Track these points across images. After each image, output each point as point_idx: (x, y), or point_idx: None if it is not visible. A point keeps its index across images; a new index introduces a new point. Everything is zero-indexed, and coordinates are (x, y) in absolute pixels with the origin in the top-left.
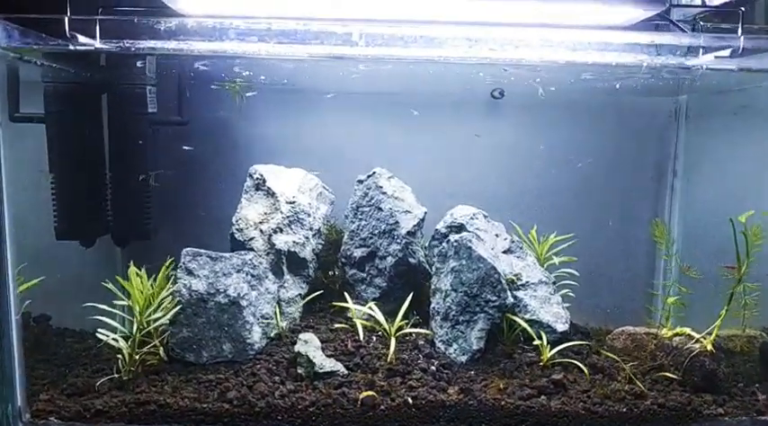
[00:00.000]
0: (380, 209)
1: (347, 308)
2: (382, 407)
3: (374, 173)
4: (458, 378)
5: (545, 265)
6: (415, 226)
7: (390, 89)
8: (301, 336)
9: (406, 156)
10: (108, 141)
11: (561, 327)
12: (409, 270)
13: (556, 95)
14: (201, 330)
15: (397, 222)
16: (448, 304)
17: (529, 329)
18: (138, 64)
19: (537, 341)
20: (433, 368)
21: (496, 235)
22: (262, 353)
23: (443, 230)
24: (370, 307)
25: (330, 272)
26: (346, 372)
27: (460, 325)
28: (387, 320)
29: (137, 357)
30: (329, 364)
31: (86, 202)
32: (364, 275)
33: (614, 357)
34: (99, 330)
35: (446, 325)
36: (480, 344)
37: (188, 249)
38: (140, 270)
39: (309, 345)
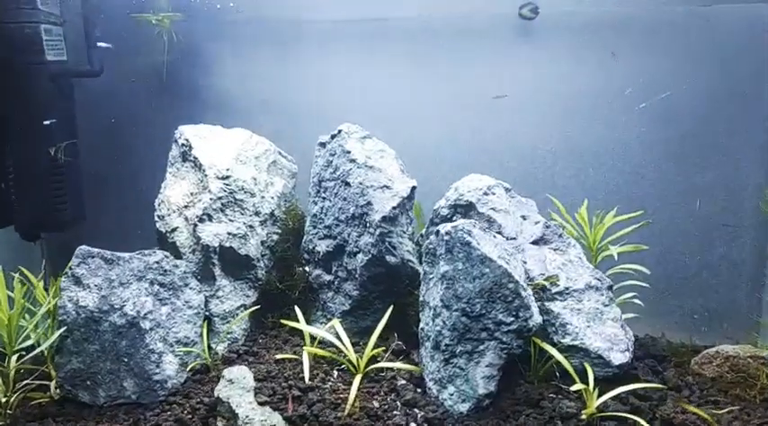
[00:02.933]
0: (348, 184)
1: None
2: None
3: (340, 131)
4: None
5: (599, 259)
6: (395, 208)
7: (377, 15)
8: (226, 373)
9: (409, 106)
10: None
11: (619, 358)
12: (388, 273)
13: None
14: (95, 360)
15: (369, 203)
16: (438, 327)
17: (565, 363)
18: None
19: (578, 385)
20: (415, 424)
21: (523, 218)
22: (177, 393)
23: (445, 211)
24: (332, 327)
25: (291, 273)
26: None
27: (458, 359)
28: (355, 346)
29: (12, 397)
30: (259, 417)
31: None
32: (331, 278)
33: (703, 414)
34: None
35: (438, 358)
36: (490, 387)
37: (81, 248)
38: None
39: (235, 387)
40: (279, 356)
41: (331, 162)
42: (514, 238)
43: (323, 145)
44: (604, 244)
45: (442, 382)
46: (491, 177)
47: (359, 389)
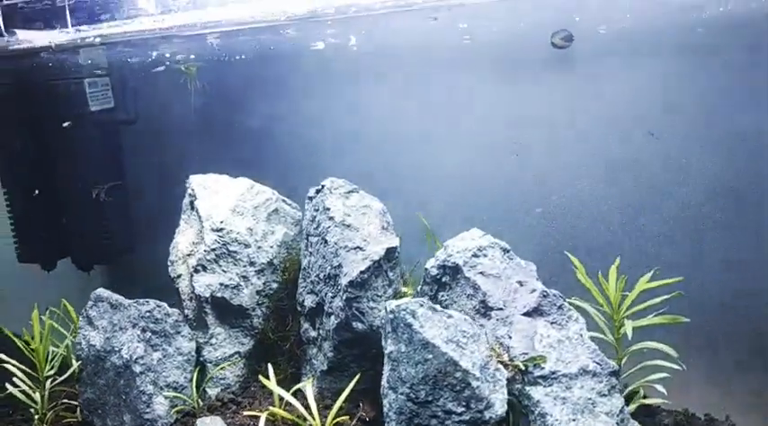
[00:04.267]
0: (326, 242)
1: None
2: None
3: (323, 186)
4: None
5: (621, 331)
6: (363, 272)
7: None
8: (200, 423)
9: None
10: (51, 151)
11: None
12: (356, 339)
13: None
14: (103, 393)
15: (340, 265)
16: (386, 408)
17: None
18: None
19: None
20: None
21: (519, 284)
22: None
23: (435, 271)
24: (298, 390)
25: (285, 323)
26: None
27: None
28: (330, 408)
29: (48, 414)
30: None
31: (40, 221)
32: (315, 334)
33: None
34: (14, 378)
35: None
36: None
37: (96, 291)
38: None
39: None
40: (246, 413)
41: (315, 217)
42: (501, 308)
43: (310, 199)
44: (628, 313)
45: None
46: (488, 236)
47: None
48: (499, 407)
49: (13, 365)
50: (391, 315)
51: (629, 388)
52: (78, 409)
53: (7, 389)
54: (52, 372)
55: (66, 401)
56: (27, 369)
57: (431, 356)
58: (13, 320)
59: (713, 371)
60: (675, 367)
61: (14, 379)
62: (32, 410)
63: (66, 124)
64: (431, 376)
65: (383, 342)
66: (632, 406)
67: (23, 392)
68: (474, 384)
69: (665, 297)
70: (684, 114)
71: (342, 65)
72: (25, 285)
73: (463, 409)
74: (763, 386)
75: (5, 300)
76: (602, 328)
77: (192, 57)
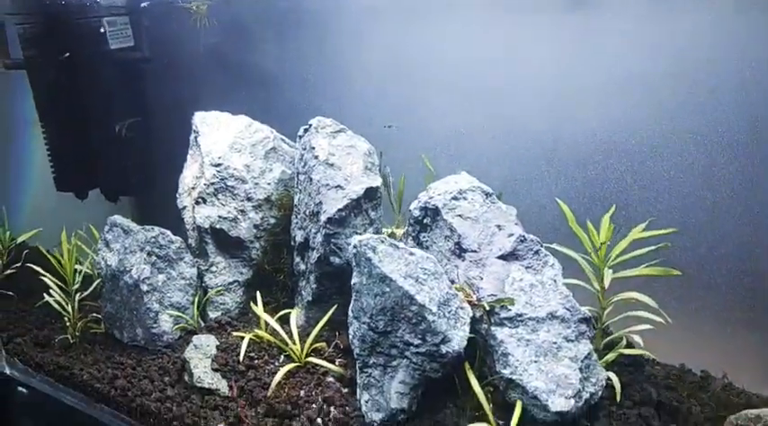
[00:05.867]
0: (311, 181)
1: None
2: None
3: (310, 125)
4: None
5: (607, 276)
6: (342, 210)
7: None
8: (194, 339)
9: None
10: (80, 88)
11: (559, 404)
12: (335, 273)
13: None
14: (119, 308)
15: (320, 202)
16: (350, 336)
17: (481, 397)
18: None
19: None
20: (319, 421)
21: (498, 227)
22: (169, 347)
23: (417, 213)
24: (279, 319)
25: (280, 257)
26: (227, 394)
27: (372, 370)
28: (302, 338)
29: (78, 324)
30: (208, 380)
31: (73, 154)
32: (304, 268)
33: None
34: (51, 290)
35: (357, 365)
36: (402, 403)
37: (111, 218)
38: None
39: (198, 352)
40: (235, 334)
41: (303, 155)
42: (476, 251)
43: (300, 137)
44: (616, 263)
45: (361, 388)
46: (473, 178)
47: (295, 377)
48: (457, 343)
49: (49, 278)
50: (354, 250)
51: (609, 338)
52: (102, 322)
53: (45, 299)
54: (77, 286)
55: (94, 315)
56: (60, 283)
57: (388, 289)
58: (53, 241)
59: (713, 327)
60: (658, 319)
61: (50, 291)
62: (66, 319)
63: (64, 56)
64: (388, 307)
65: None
66: (612, 355)
67: (57, 302)
68: (430, 318)
69: (652, 248)
70: None
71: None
72: (64, 211)
73: (420, 341)
74: (763, 342)
75: (47, 224)
76: (588, 277)
77: None
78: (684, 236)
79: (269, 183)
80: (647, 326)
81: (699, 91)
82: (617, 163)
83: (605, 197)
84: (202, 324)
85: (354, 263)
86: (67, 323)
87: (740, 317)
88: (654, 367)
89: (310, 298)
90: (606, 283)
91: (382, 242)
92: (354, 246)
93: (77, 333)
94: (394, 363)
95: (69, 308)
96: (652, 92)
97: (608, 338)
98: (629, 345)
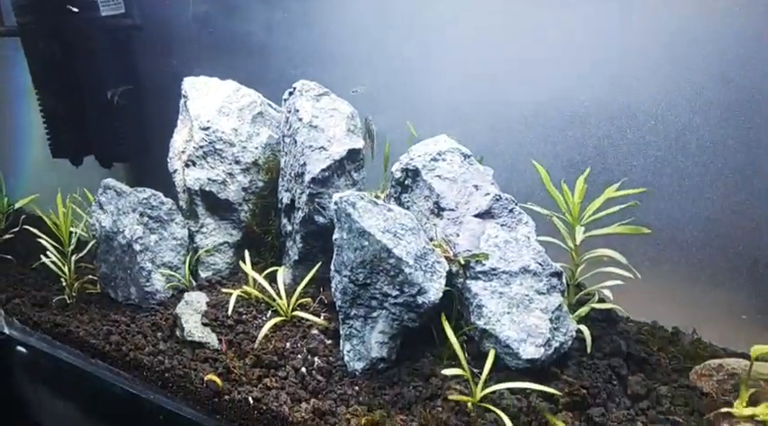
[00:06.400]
0: (296, 143)
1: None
2: (226, 397)
3: (294, 89)
4: (329, 391)
5: (579, 233)
6: (325, 170)
7: None
8: (186, 295)
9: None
10: (72, 55)
11: (530, 352)
12: (320, 232)
13: None
14: (114, 268)
15: (305, 163)
16: (333, 288)
17: (456, 346)
18: None
19: (451, 370)
20: (304, 370)
21: (475, 187)
22: (162, 304)
23: (398, 174)
24: (267, 275)
25: (268, 219)
26: (217, 346)
27: (354, 321)
28: (288, 295)
29: (75, 284)
30: (198, 334)
31: (67, 121)
32: (290, 228)
33: None
34: (48, 252)
35: (339, 317)
36: (382, 352)
37: (105, 180)
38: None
39: (188, 308)
40: (224, 290)
41: (288, 118)
42: (453, 209)
43: (284, 101)
44: (590, 220)
45: (344, 338)
46: (452, 140)
47: (282, 330)
48: (433, 294)
49: (46, 240)
50: (335, 206)
51: (581, 293)
52: (98, 283)
53: (42, 260)
54: (73, 248)
55: (90, 276)
56: (56, 245)
57: (367, 243)
58: (50, 207)
59: (684, 286)
60: (629, 275)
61: (47, 253)
62: (62, 280)
63: (72, 7)
64: (367, 261)
65: None
66: (584, 309)
67: (54, 263)
68: (407, 270)
69: (623, 206)
70: None
71: None
72: (59, 178)
73: (398, 292)
74: (731, 300)
75: (43, 191)
76: (563, 236)
77: None
78: (657, 198)
79: (256, 147)
80: (618, 282)
81: (673, 55)
82: (595, 129)
83: (583, 162)
84: (194, 284)
85: (336, 219)
86: (64, 284)
87: (710, 275)
88: (627, 323)
89: (296, 258)
90: (578, 239)
91: (362, 198)
92: (335, 203)
93: (74, 294)
94: (374, 314)
95: (66, 269)
96: (628, 58)
97: (580, 293)
98: (602, 301)
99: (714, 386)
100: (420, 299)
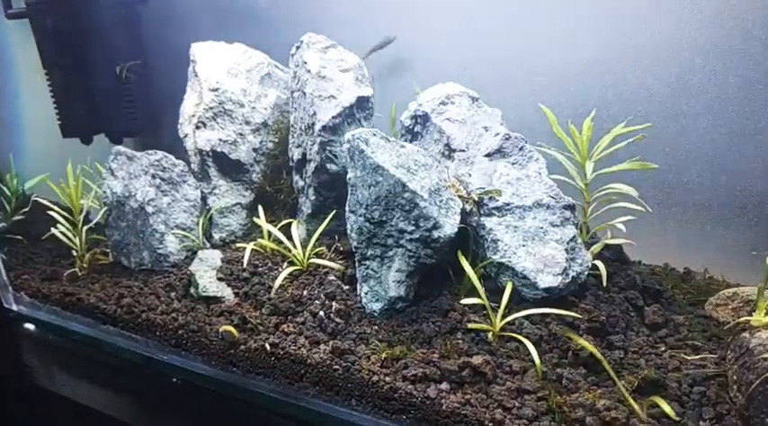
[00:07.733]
0: (305, 95)
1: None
2: (242, 347)
3: (302, 42)
4: (348, 333)
5: (589, 168)
6: (335, 117)
7: None
8: (200, 253)
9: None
10: (80, 32)
11: (547, 281)
12: (333, 180)
13: None
14: (125, 234)
15: (315, 113)
16: (349, 230)
17: (474, 280)
18: None
19: (470, 300)
20: (322, 313)
21: (485, 129)
22: (176, 266)
23: (408, 121)
24: (283, 228)
25: (280, 178)
26: (233, 300)
27: (370, 261)
28: (303, 245)
29: (86, 256)
30: (213, 288)
31: (77, 99)
32: (303, 183)
33: (591, 348)
34: (58, 224)
35: (356, 258)
36: (400, 291)
37: (115, 147)
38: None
39: (203, 264)
40: (237, 245)
41: (296, 72)
42: (464, 150)
43: (292, 56)
44: (601, 156)
45: (360, 281)
46: (458, 86)
47: (298, 280)
48: (449, 228)
49: (56, 211)
50: (348, 144)
51: (594, 229)
52: (109, 253)
53: (51, 232)
54: (83, 217)
55: (101, 249)
56: (68, 216)
57: (381, 178)
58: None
59: (694, 226)
60: (640, 209)
61: (58, 225)
62: (74, 251)
63: None
64: (382, 197)
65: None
66: (597, 246)
67: (64, 234)
68: (422, 204)
69: (630, 140)
70: None
71: None
72: (70, 157)
73: (413, 227)
74: (740, 238)
75: (54, 171)
76: (573, 176)
77: None
78: (664, 142)
79: (265, 108)
80: (630, 217)
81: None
82: (598, 79)
83: (587, 113)
84: (207, 245)
85: (348, 158)
86: (75, 256)
87: (717, 215)
88: (639, 266)
89: (309, 212)
90: (588, 176)
91: (374, 134)
92: (348, 141)
93: (85, 266)
94: (390, 253)
95: (77, 241)
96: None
97: (593, 230)
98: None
99: (730, 313)
100: (436, 234)
